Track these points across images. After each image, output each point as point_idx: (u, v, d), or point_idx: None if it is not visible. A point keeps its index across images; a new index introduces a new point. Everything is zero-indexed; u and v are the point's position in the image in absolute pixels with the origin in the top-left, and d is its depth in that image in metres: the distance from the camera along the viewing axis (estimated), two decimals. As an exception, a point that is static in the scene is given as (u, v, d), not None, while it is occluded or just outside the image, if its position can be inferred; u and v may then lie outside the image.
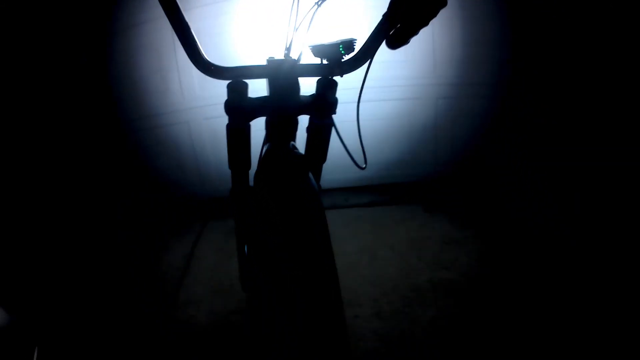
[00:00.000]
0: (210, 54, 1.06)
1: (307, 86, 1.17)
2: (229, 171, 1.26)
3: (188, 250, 2.98)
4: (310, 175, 1.05)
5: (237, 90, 1.10)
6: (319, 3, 1.18)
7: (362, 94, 1.19)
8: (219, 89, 1.10)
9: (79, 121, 3.33)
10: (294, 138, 1.14)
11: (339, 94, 1.17)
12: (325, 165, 1.34)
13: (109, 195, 3.46)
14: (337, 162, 1.24)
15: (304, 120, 1.18)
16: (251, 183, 1.16)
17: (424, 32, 1.04)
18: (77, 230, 3.09)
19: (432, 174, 3.63)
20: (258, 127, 1.22)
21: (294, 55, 1.17)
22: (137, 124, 3.45)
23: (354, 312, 2.25)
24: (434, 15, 1.04)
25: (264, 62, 1.12)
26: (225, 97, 1.11)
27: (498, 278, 2.45)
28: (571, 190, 2.97)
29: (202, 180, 3.60)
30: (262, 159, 1.11)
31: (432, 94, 3.37)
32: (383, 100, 3.31)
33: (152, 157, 3.55)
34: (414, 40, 1.05)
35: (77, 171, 3.32)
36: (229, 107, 1.12)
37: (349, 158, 1.27)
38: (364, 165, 1.23)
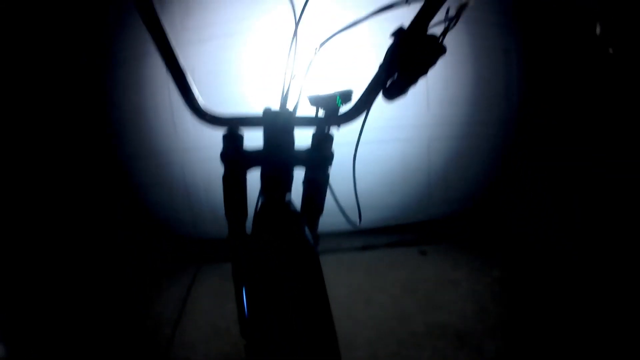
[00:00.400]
0: (208, 93, 1.05)
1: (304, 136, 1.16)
2: (222, 214, 1.23)
3: (183, 293, 2.92)
4: (306, 228, 1.03)
5: (232, 141, 1.10)
6: (316, 51, 1.18)
7: (348, 138, 1.18)
8: (214, 132, 1.09)
9: (70, 154, 3.30)
10: (289, 190, 1.12)
11: (337, 134, 1.16)
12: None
13: (102, 232, 3.42)
14: (330, 207, 1.22)
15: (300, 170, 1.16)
16: (248, 230, 1.14)
17: None
18: (69, 269, 3.04)
19: (426, 216, 3.61)
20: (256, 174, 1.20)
21: (290, 104, 1.15)
22: (131, 162, 3.42)
23: (350, 356, 2.22)
24: (433, 63, 1.03)
25: (260, 112, 1.10)
26: (220, 145, 1.10)
27: (494, 319, 2.42)
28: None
29: (194, 221, 3.55)
30: (257, 212, 1.09)
31: (425, 135, 3.38)
32: (375, 142, 3.30)
33: (145, 196, 3.52)
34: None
35: (68, 208, 3.29)
36: (224, 157, 1.10)
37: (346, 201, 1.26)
38: (358, 222, 1.21)
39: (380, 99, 1.06)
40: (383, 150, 3.37)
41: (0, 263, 2.75)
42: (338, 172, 1.31)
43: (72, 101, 3.23)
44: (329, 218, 1.56)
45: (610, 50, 2.73)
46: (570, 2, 2.98)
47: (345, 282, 2.91)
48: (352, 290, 2.81)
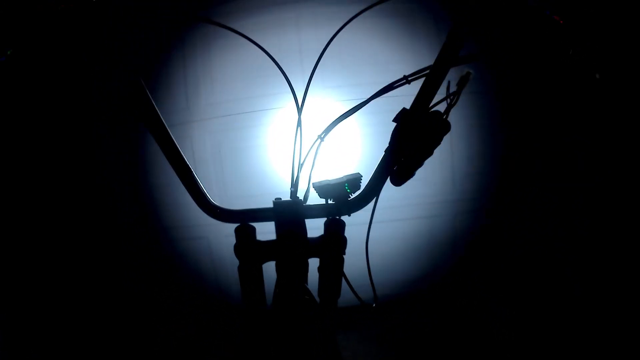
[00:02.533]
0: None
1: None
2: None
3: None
4: (323, 318, 1.03)
5: (245, 235, 1.10)
6: (322, 137, 1.18)
7: (374, 221, 1.17)
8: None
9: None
10: (305, 280, 1.12)
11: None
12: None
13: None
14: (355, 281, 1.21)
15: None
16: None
17: (442, 145, 1.03)
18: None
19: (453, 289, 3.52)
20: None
21: (300, 193, 1.16)
22: (157, 235, 3.45)
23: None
24: (438, 143, 1.02)
25: (271, 204, 1.11)
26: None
27: None
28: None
29: (223, 297, 3.53)
30: (273, 304, 1.09)
31: (451, 210, 3.34)
32: (399, 220, 3.26)
33: (171, 271, 3.53)
34: (433, 155, 1.04)
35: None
36: (238, 251, 1.10)
37: (366, 277, 1.24)
38: (373, 304, 1.19)
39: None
40: (409, 227, 3.33)
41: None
42: (359, 250, 1.29)
43: (99, 166, 3.31)
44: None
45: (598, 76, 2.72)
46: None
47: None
48: None
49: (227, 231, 3.26)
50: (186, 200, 3.12)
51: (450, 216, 3.34)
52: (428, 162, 1.05)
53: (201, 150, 3.24)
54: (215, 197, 1.18)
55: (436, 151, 1.04)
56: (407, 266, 3.37)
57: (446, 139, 1.03)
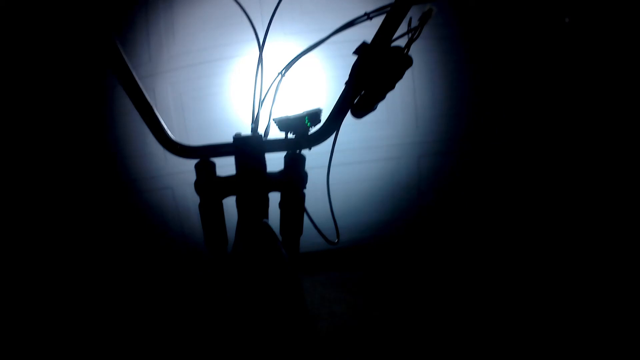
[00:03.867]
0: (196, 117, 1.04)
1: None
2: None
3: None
4: (282, 249, 1.03)
5: (204, 171, 1.09)
6: (283, 73, 1.17)
7: (334, 159, 1.16)
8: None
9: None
10: (266, 215, 1.12)
11: (316, 156, 1.15)
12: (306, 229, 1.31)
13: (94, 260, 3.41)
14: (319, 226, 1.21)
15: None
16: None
17: (405, 90, 1.03)
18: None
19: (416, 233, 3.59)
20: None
21: (261, 129, 1.14)
22: (121, 187, 3.42)
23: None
24: (400, 76, 1.02)
25: (231, 139, 1.10)
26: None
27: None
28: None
29: (187, 245, 3.54)
30: (235, 239, 1.09)
31: (414, 152, 3.35)
32: (364, 162, 3.27)
33: (136, 221, 3.51)
34: (395, 98, 1.04)
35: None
36: (198, 187, 1.10)
37: (330, 222, 1.25)
38: (335, 240, 1.20)
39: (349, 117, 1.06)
40: (374, 169, 3.35)
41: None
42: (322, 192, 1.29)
43: (63, 123, 3.24)
44: (317, 238, 1.57)
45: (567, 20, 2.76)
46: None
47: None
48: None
49: (191, 180, 3.24)
50: (149, 150, 3.13)
51: (414, 158, 3.37)
52: (391, 105, 1.05)
53: (163, 101, 3.21)
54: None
55: (399, 93, 1.04)
56: (371, 209, 3.41)
57: (409, 81, 1.03)
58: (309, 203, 1.17)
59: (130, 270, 3.48)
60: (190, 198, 3.35)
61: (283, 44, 2.95)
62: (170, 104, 3.22)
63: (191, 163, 1.15)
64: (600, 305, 2.42)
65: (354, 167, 3.21)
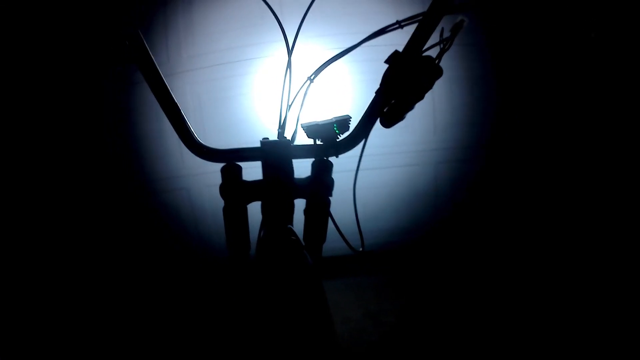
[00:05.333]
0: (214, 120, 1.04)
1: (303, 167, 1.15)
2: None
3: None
4: (307, 255, 1.03)
5: (230, 175, 1.08)
6: (312, 78, 1.16)
7: (352, 165, 1.16)
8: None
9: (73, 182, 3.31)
10: (290, 221, 1.11)
11: (339, 161, 1.14)
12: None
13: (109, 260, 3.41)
14: (335, 232, 1.21)
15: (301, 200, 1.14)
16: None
17: (425, 95, 1.02)
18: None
19: (432, 240, 3.57)
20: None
21: (288, 134, 1.14)
22: (137, 188, 3.43)
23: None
24: (430, 87, 1.01)
25: (258, 144, 1.09)
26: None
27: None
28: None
29: (204, 248, 3.54)
30: (258, 244, 1.08)
31: (432, 159, 3.35)
32: (382, 168, 3.29)
33: (152, 222, 3.51)
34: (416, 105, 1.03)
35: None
36: (223, 191, 1.09)
37: (349, 228, 1.24)
38: (360, 249, 1.19)
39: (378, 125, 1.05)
40: (391, 175, 3.36)
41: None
42: (343, 198, 1.29)
43: (79, 124, 3.25)
44: (337, 242, 1.57)
45: (594, 35, 2.74)
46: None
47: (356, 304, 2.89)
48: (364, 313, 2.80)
49: (207, 181, 3.26)
50: (165, 150, 3.13)
51: (431, 165, 3.36)
52: (411, 112, 1.05)
53: (181, 102, 3.20)
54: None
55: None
56: (389, 215, 3.42)
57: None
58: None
59: (144, 272, 3.48)
60: (206, 200, 3.35)
61: (309, 46, 2.96)
62: (188, 104, 3.22)
63: (208, 165, 1.15)
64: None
65: (372, 173, 3.22)
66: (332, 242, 1.32)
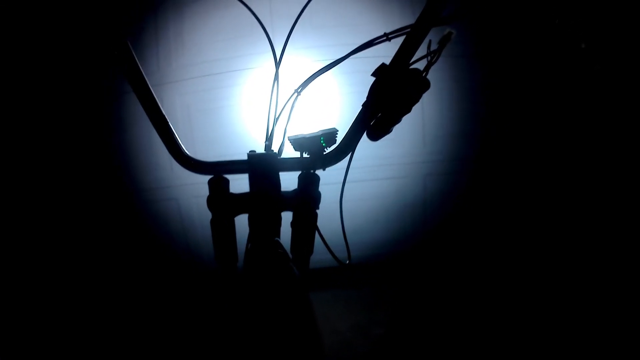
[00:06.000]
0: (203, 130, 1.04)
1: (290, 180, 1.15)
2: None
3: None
4: (294, 268, 1.03)
5: (218, 187, 1.08)
6: (299, 91, 1.17)
7: (339, 177, 1.17)
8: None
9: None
10: (277, 234, 1.11)
11: (327, 174, 1.15)
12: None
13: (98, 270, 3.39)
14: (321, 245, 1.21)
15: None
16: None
17: (414, 107, 1.02)
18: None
19: (421, 252, 3.57)
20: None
21: (275, 147, 1.14)
22: (125, 197, 3.41)
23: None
24: (417, 100, 1.02)
25: (245, 156, 1.09)
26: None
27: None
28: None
29: (192, 257, 3.52)
30: (245, 257, 1.08)
31: (421, 171, 3.36)
32: (370, 180, 3.29)
33: (141, 233, 3.49)
34: (403, 116, 1.04)
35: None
36: (211, 204, 1.09)
37: (336, 240, 1.24)
38: (347, 262, 1.19)
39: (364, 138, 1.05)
40: (379, 188, 3.36)
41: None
42: (331, 210, 1.29)
43: (67, 134, 3.23)
44: (324, 255, 1.57)
45: (597, 67, 2.76)
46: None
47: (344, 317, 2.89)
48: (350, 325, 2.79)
49: (196, 192, 3.25)
50: (155, 161, 3.12)
51: (420, 178, 3.37)
52: (398, 124, 1.05)
53: (170, 112, 3.21)
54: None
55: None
56: (376, 227, 3.41)
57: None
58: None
59: (132, 281, 3.45)
60: (195, 210, 3.34)
61: (297, 58, 2.96)
62: (178, 115, 3.22)
63: (197, 176, 1.15)
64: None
65: (360, 185, 3.22)
66: (319, 254, 1.32)
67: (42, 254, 3.23)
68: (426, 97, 1.07)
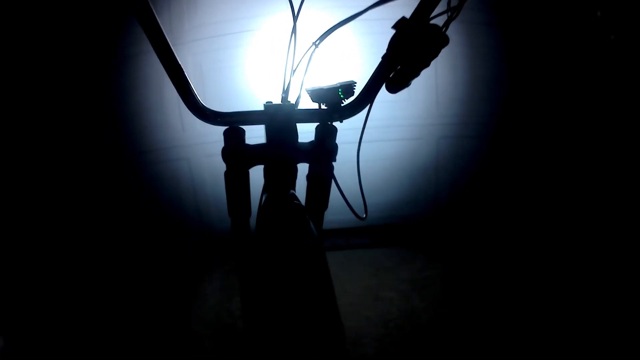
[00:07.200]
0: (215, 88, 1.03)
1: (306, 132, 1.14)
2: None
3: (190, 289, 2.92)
4: (311, 223, 1.02)
5: (233, 138, 1.08)
6: (317, 43, 1.15)
7: (353, 137, 1.16)
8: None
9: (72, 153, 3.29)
10: (293, 186, 1.11)
11: (340, 133, 1.14)
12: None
13: (106, 232, 3.40)
14: (338, 203, 1.20)
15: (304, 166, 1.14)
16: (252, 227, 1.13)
17: (426, 71, 1.01)
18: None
19: (432, 214, 3.57)
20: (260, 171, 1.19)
21: (292, 98, 1.13)
22: (136, 158, 3.41)
23: (358, 352, 2.21)
24: (436, 54, 1.01)
25: (262, 107, 1.09)
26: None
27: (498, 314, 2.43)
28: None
29: (201, 219, 3.53)
30: (260, 208, 1.08)
31: (434, 134, 3.35)
32: (384, 140, 3.29)
33: (151, 193, 3.50)
34: (416, 79, 1.03)
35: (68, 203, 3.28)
36: (226, 154, 1.08)
37: (351, 198, 1.23)
38: (364, 215, 1.19)
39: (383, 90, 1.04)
40: (393, 149, 3.35)
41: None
42: (345, 169, 1.28)
43: (77, 95, 3.22)
44: (337, 215, 1.58)
45: (612, 37, 2.71)
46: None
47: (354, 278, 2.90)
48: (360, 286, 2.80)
49: (208, 151, 3.25)
50: (165, 120, 3.11)
51: (433, 140, 3.36)
52: (412, 84, 1.04)
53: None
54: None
55: (420, 75, 1.03)
56: (388, 188, 3.42)
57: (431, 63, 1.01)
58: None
59: (139, 246, 3.47)
60: (206, 170, 3.34)
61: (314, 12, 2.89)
62: (190, 75, 3.19)
63: (208, 135, 1.15)
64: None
65: (373, 145, 3.21)
66: (331, 214, 1.32)
67: (52, 216, 3.24)
68: (440, 60, 1.06)
